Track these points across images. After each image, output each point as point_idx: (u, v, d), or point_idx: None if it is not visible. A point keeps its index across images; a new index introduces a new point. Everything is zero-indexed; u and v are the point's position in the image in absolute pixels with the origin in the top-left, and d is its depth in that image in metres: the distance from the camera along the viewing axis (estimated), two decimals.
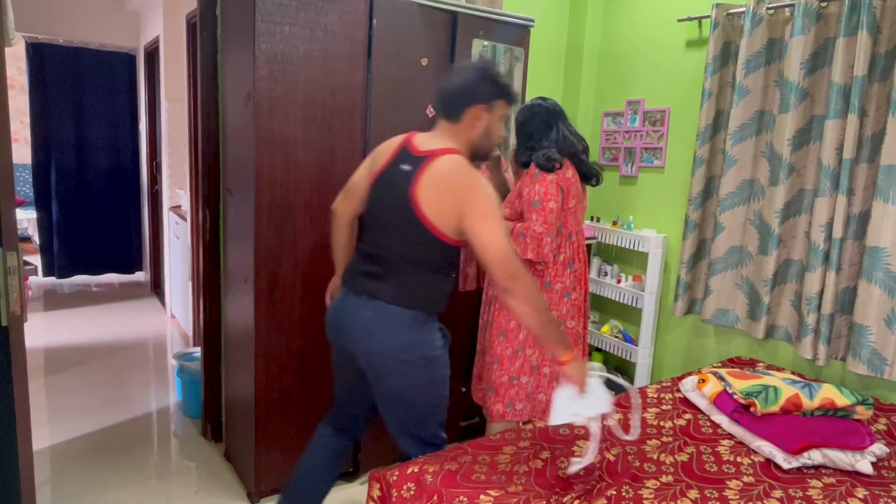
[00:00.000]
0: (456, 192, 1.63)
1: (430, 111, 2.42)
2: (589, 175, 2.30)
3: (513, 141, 2.78)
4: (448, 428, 2.23)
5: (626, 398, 2.08)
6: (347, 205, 1.92)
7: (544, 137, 2.23)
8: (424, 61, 2.37)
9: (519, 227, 2.17)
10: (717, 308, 2.67)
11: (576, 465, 1.57)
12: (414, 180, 1.66)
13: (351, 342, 1.75)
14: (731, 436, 1.88)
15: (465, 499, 1.46)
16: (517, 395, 2.27)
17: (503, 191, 2.43)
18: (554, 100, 2.32)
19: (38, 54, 4.99)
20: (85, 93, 5.23)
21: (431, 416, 1.81)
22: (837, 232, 2.24)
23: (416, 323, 1.71)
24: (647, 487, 1.56)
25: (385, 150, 1.81)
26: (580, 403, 1.59)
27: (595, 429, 1.57)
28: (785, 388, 1.87)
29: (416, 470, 1.59)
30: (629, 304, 3.05)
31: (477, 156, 1.80)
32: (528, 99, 2.77)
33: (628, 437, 1.74)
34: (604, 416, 1.61)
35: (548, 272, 2.23)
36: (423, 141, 1.74)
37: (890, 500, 1.56)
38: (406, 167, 1.70)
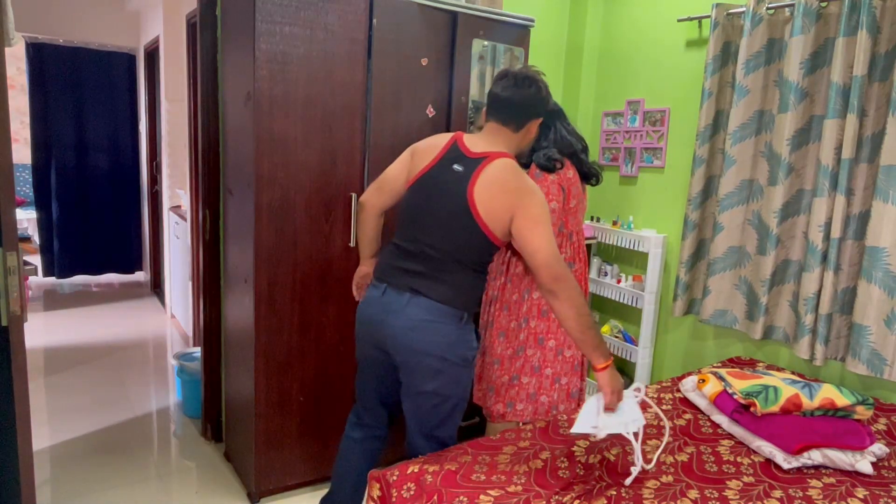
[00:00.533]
0: (512, 194, 1.68)
1: (431, 111, 2.42)
2: (589, 174, 2.30)
3: None
4: None
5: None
6: (379, 198, 1.93)
7: (543, 137, 2.22)
8: (424, 61, 2.37)
9: None
10: (716, 308, 2.67)
11: (632, 476, 1.57)
12: (471, 181, 1.70)
13: (390, 338, 1.75)
14: (731, 436, 1.88)
15: (465, 499, 1.46)
16: (517, 395, 2.27)
17: None
18: (554, 100, 2.31)
19: (38, 54, 4.99)
20: (85, 93, 5.23)
21: (453, 417, 1.84)
22: (836, 232, 2.24)
23: (461, 322, 1.75)
24: (647, 487, 1.56)
25: (430, 148, 1.81)
26: (605, 418, 1.61)
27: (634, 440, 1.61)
28: (785, 388, 1.87)
29: (416, 470, 1.59)
30: (629, 304, 3.05)
31: (517, 161, 1.88)
32: None
33: (645, 467, 1.65)
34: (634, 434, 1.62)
35: None
36: (475, 142, 1.78)
37: (890, 500, 1.56)
38: (459, 167, 1.73)
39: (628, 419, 1.62)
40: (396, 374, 1.83)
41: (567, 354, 2.28)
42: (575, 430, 1.61)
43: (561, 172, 2.17)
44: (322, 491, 2.42)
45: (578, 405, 2.37)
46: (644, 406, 1.78)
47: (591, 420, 1.60)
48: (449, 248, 1.74)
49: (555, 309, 1.67)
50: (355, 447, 2.01)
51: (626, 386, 2.87)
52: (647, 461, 1.66)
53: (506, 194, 1.69)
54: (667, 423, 1.78)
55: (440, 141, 1.82)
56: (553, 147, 2.19)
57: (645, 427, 1.84)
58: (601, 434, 1.60)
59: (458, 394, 1.81)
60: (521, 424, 2.28)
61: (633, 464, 1.61)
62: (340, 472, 2.03)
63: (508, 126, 1.79)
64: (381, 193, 1.92)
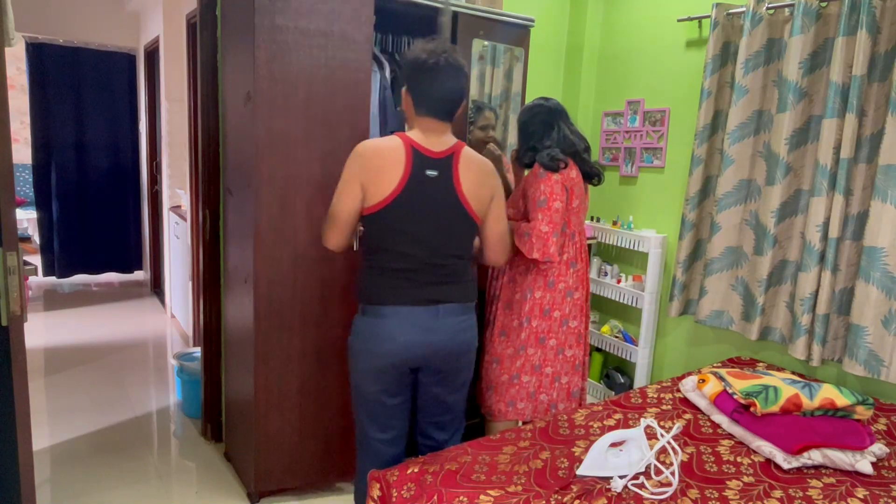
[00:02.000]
0: (491, 177, 1.84)
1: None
2: (591, 174, 2.29)
3: (511, 141, 2.78)
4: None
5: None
6: (345, 239, 1.81)
7: (546, 137, 2.22)
8: None
9: (524, 227, 2.15)
10: (712, 309, 2.66)
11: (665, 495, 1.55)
12: (455, 181, 1.74)
13: (435, 353, 1.80)
14: (731, 436, 1.88)
15: (465, 499, 1.46)
16: (518, 394, 2.27)
17: (506, 191, 2.43)
18: (556, 100, 2.31)
19: (38, 54, 4.99)
20: (85, 93, 5.23)
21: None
22: (833, 232, 2.24)
23: (474, 311, 1.91)
24: (647, 488, 1.55)
25: (385, 165, 1.69)
26: (614, 460, 1.62)
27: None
28: (785, 388, 1.87)
29: (416, 470, 1.59)
30: (629, 304, 3.05)
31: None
32: (528, 99, 2.78)
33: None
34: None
35: (552, 272, 2.22)
36: (431, 142, 1.75)
37: (890, 500, 1.56)
38: (434, 172, 1.72)
39: (635, 459, 1.62)
40: (424, 382, 1.91)
41: (568, 354, 2.28)
42: (581, 472, 1.61)
43: (564, 172, 2.16)
44: (322, 490, 2.42)
45: (580, 405, 2.37)
46: (651, 434, 1.76)
47: (601, 463, 1.61)
48: (452, 251, 1.79)
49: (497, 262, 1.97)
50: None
51: (626, 387, 2.86)
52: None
53: (487, 178, 1.83)
54: (676, 462, 1.60)
55: (393, 153, 1.70)
56: (556, 147, 2.19)
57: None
58: (611, 474, 1.58)
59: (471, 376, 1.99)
60: (520, 423, 2.28)
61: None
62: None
63: (447, 120, 1.77)
64: (343, 234, 1.79)
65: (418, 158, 1.71)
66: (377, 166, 1.70)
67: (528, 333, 2.24)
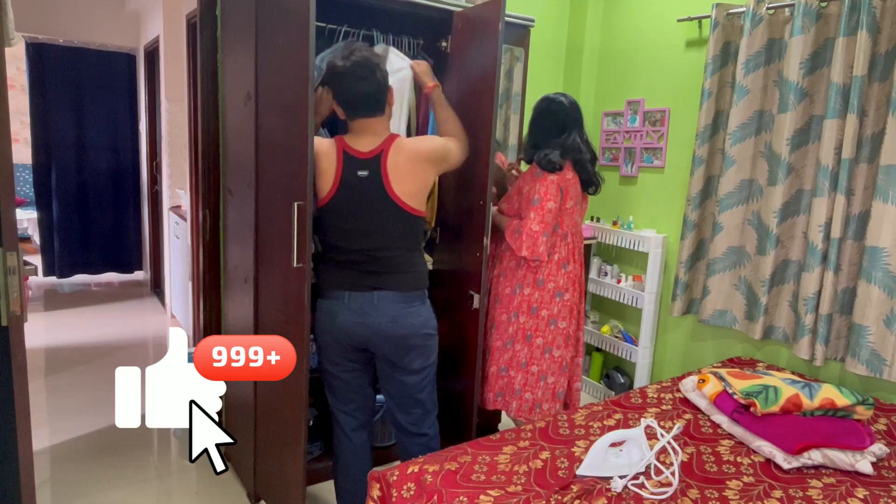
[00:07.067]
0: (421, 163, 1.85)
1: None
2: (588, 183, 2.31)
3: (512, 142, 2.78)
4: (451, 427, 2.23)
5: None
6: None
7: (554, 139, 2.23)
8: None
9: (515, 224, 2.20)
10: (715, 309, 2.67)
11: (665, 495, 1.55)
12: (384, 180, 1.80)
13: (374, 336, 1.88)
14: (731, 436, 1.88)
15: (465, 499, 1.46)
16: (505, 387, 2.32)
17: (500, 190, 2.44)
18: (575, 101, 2.29)
19: (38, 54, 4.99)
20: (85, 93, 5.22)
21: (434, 381, 2.04)
22: (836, 232, 2.24)
23: (425, 300, 1.96)
24: (647, 488, 1.55)
25: (322, 168, 1.82)
26: (614, 460, 1.62)
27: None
28: (785, 388, 1.87)
29: (416, 470, 1.59)
30: (629, 304, 3.05)
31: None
32: (527, 99, 2.77)
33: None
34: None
35: (541, 270, 2.25)
36: (361, 142, 1.83)
37: (890, 500, 1.56)
38: (364, 172, 1.81)
39: (635, 459, 1.62)
40: (378, 368, 1.99)
41: (555, 354, 2.29)
42: (581, 472, 1.61)
43: (560, 173, 2.19)
44: (322, 491, 2.42)
45: (566, 405, 2.39)
46: (651, 434, 1.76)
47: (600, 463, 1.61)
48: (392, 244, 1.86)
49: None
50: (365, 447, 2.08)
51: (626, 387, 2.86)
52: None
53: (417, 168, 1.84)
54: (676, 462, 1.61)
55: (328, 156, 1.82)
56: (558, 150, 2.19)
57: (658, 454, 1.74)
58: (612, 474, 1.58)
59: (434, 360, 2.02)
60: (512, 417, 2.33)
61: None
62: (357, 475, 2.01)
63: (376, 115, 1.84)
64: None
65: (349, 160, 1.82)
66: (318, 167, 1.83)
67: (515, 328, 2.28)
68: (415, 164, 1.84)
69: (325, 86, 1.86)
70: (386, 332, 1.87)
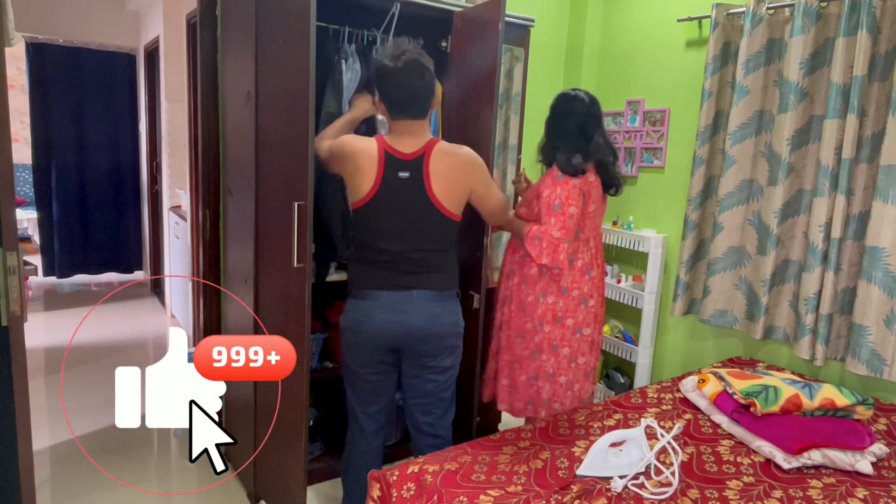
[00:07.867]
0: (464, 173, 1.86)
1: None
2: (610, 184, 2.20)
3: (512, 142, 2.78)
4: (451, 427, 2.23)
5: None
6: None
7: (575, 141, 2.12)
8: None
9: (535, 231, 2.06)
10: (716, 308, 2.67)
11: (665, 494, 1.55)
12: (425, 182, 1.80)
13: (411, 334, 1.87)
14: (731, 436, 1.88)
15: (465, 499, 1.46)
16: (535, 396, 2.22)
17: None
18: (594, 97, 2.21)
19: (38, 54, 4.99)
20: (85, 93, 5.22)
21: (455, 386, 2.04)
22: (836, 232, 2.24)
23: (458, 300, 1.97)
24: (647, 488, 1.55)
25: (363, 165, 1.80)
26: (614, 460, 1.62)
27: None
28: (785, 388, 1.87)
29: (416, 470, 1.59)
30: (629, 304, 3.05)
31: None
32: (527, 99, 2.77)
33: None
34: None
35: (564, 278, 2.15)
36: (404, 144, 1.82)
37: (890, 500, 1.56)
38: (405, 174, 1.80)
39: (635, 459, 1.62)
40: (402, 369, 1.98)
41: (581, 361, 2.24)
42: (581, 472, 1.60)
43: (583, 176, 2.07)
44: (322, 491, 2.42)
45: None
46: (651, 434, 1.76)
47: (601, 463, 1.61)
48: (428, 246, 1.87)
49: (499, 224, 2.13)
50: (380, 448, 2.07)
51: (626, 387, 2.86)
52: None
53: (461, 172, 1.85)
54: (676, 462, 1.61)
55: (369, 156, 1.80)
56: (581, 153, 2.09)
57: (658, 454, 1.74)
58: (612, 474, 1.58)
59: (460, 360, 2.02)
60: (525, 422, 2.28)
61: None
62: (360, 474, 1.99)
63: (418, 118, 1.83)
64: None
65: (390, 161, 1.80)
66: (356, 166, 1.81)
67: (541, 338, 2.17)
68: (451, 171, 1.84)
69: (372, 84, 1.86)
70: (424, 331, 1.87)
